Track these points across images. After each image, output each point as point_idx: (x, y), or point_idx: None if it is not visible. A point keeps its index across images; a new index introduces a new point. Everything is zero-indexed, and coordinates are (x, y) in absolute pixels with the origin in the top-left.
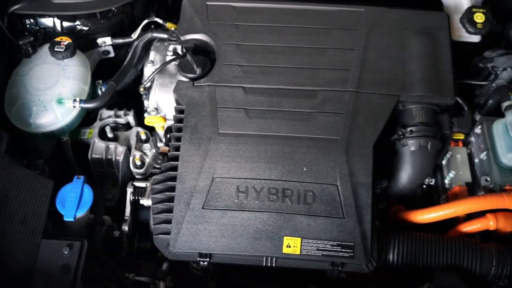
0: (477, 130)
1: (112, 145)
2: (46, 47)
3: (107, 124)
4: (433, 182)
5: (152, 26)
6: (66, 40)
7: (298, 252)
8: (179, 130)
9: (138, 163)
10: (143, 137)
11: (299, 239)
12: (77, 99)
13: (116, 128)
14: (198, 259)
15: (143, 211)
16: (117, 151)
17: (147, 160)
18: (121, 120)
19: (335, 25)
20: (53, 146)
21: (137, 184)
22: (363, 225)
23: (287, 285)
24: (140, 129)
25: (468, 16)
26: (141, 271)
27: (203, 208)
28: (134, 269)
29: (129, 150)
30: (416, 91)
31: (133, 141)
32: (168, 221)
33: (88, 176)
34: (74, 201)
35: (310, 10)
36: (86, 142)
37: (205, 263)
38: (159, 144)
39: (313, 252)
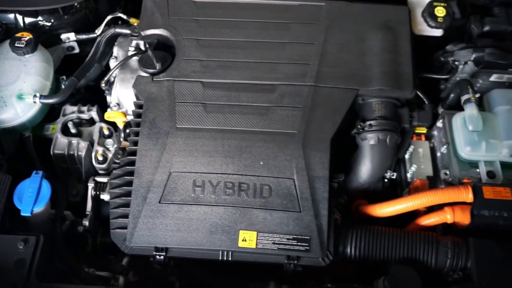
0: (439, 124)
1: (74, 140)
2: (7, 43)
3: (70, 120)
4: (394, 176)
5: (119, 22)
6: (27, 36)
7: (254, 246)
8: (138, 125)
9: (100, 158)
10: (106, 132)
11: (255, 233)
12: (37, 94)
13: (80, 123)
14: (154, 253)
15: (105, 206)
16: (79, 146)
17: (110, 155)
18: (85, 116)
19: (295, 20)
20: (15, 141)
21: (98, 179)
22: (320, 218)
23: (247, 280)
24: (103, 125)
25: (429, 10)
26: (110, 266)
27: (159, 202)
28: (99, 264)
29: (92, 145)
30: (375, 85)
31: (96, 137)
32: (126, 216)
33: (52, 171)
34: (32, 196)
35: (270, 4)
36: (49, 137)
37: (161, 257)
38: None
39: (269, 245)
